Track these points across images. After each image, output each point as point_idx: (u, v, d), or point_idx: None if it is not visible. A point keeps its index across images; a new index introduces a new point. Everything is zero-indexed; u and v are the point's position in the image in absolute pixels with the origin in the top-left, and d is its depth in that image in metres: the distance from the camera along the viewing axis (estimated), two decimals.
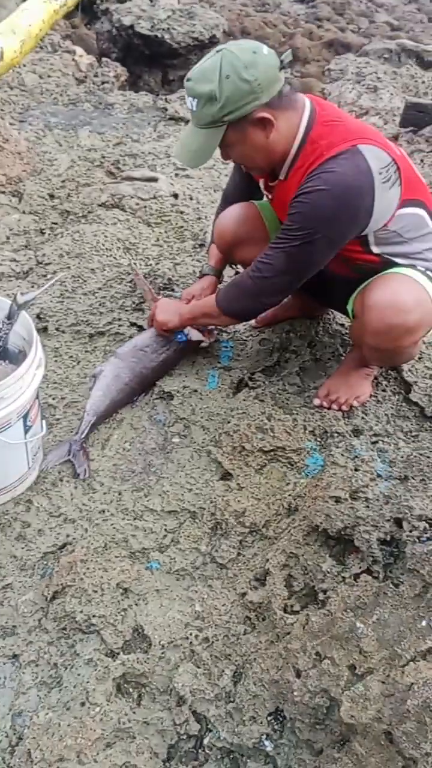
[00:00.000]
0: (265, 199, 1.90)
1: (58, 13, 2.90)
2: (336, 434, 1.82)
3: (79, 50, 4.50)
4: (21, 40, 2.60)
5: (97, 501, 1.68)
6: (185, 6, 5.13)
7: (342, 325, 2.20)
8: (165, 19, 4.77)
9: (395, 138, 3.40)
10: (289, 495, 1.63)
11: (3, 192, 2.81)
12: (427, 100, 3.63)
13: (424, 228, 1.64)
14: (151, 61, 4.99)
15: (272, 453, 1.77)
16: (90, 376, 1.99)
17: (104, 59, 4.64)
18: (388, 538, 1.39)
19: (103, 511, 1.65)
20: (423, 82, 4.21)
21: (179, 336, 2.00)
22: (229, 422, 1.84)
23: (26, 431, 1.53)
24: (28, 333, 1.52)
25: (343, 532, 1.41)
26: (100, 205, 2.74)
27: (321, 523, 1.43)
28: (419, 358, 2.05)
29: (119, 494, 1.70)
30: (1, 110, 3.33)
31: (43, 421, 1.67)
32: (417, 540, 1.36)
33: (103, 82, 4.17)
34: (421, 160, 3.18)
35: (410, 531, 1.37)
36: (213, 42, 4.81)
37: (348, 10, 7.70)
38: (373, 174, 1.46)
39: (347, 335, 2.15)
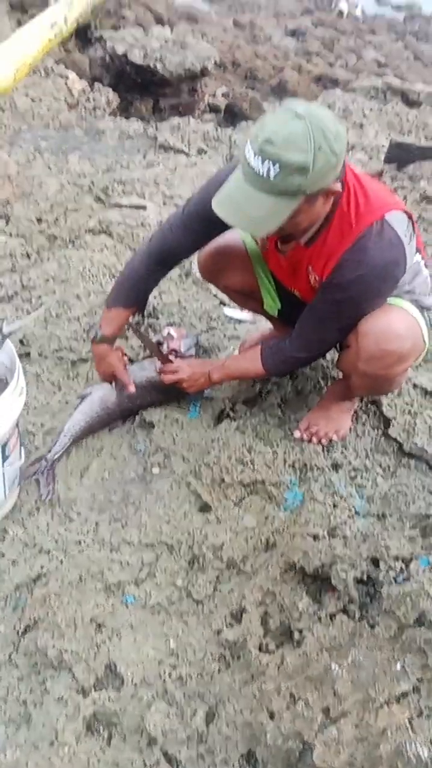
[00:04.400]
0: (252, 243, 1.87)
1: (53, 42, 2.94)
2: (315, 468, 1.83)
3: (71, 75, 4.55)
4: (15, 68, 2.63)
5: (73, 531, 1.66)
6: (178, 36, 5.23)
7: (323, 357, 2.22)
8: (158, 48, 4.85)
9: (380, 174, 3.47)
10: (268, 530, 1.63)
11: None
12: (411, 139, 3.72)
13: (414, 264, 1.67)
14: (143, 88, 5.05)
15: (252, 486, 1.77)
16: (78, 395, 1.98)
17: (96, 85, 4.70)
18: (365, 577, 1.40)
19: (80, 542, 1.63)
20: (407, 120, 4.32)
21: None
22: (209, 453, 1.84)
23: (4, 460, 1.52)
24: (11, 361, 1.51)
25: (320, 570, 1.41)
26: (87, 231, 2.75)
27: (298, 560, 1.44)
28: (398, 394, 2.07)
29: (96, 525, 1.68)
30: None
31: (22, 449, 1.66)
32: (393, 580, 1.37)
33: (94, 108, 4.22)
34: (404, 197, 3.25)
35: (387, 571, 1.38)
36: (204, 73, 4.90)
37: (337, 45, 7.91)
38: (403, 242, 1.50)
39: (329, 368, 2.17)
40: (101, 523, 1.68)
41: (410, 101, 4.66)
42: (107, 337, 1.83)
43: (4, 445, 1.49)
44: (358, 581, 1.39)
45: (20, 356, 2.09)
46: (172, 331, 2.26)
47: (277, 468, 1.82)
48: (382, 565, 1.42)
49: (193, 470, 1.82)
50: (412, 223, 1.58)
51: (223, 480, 1.76)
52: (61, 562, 1.58)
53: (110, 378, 1.92)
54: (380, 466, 1.89)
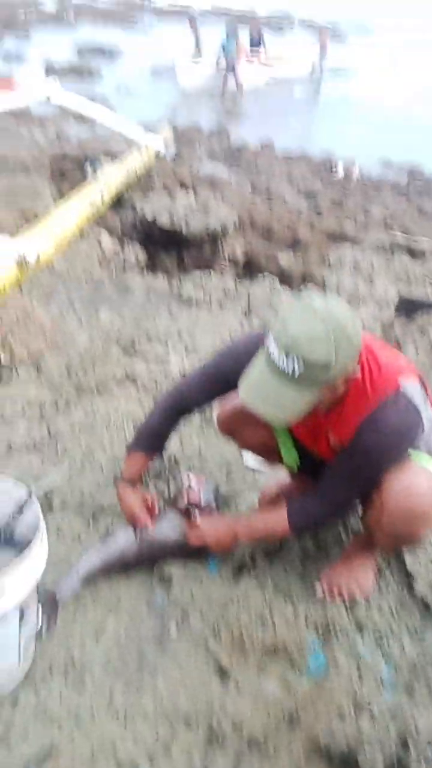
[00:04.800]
0: None
1: (90, 217, 3.30)
2: (339, 629, 1.78)
3: (105, 236, 5.00)
4: (55, 243, 2.94)
5: (86, 699, 1.60)
6: (201, 202, 5.80)
7: None
8: (183, 213, 5.36)
9: (390, 325, 3.66)
10: (290, 701, 1.55)
11: (24, 366, 2.99)
12: (418, 291, 3.97)
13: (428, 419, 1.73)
14: (169, 245, 5.52)
15: (273, 649, 1.71)
16: (101, 535, 2.00)
17: (127, 243, 5.16)
18: (395, 761, 1.31)
19: (92, 711, 1.56)
20: (414, 273, 4.62)
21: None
22: (229, 611, 1.80)
23: (21, 624, 1.50)
24: (36, 520, 1.55)
25: (346, 753, 1.33)
26: (114, 381, 2.90)
27: (323, 740, 1.35)
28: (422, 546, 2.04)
29: (110, 692, 1.61)
30: (30, 291, 3.66)
31: (39, 610, 1.64)
32: (424, 764, 1.28)
33: (124, 265, 4.60)
34: (416, 347, 3.40)
35: (417, 755, 1.29)
36: (225, 233, 5.36)
37: (346, 204, 8.64)
38: (418, 408, 1.59)
39: (349, 520, 2.17)
40: (115, 690, 1.62)
41: (415, 255, 5.01)
42: (127, 479, 1.96)
43: (23, 609, 1.49)
44: (387, 766, 1.30)
45: (42, 507, 2.13)
46: (192, 479, 2.30)
47: (299, 629, 1.76)
48: (411, 745, 1.33)
49: (212, 630, 1.77)
50: (425, 387, 1.66)
51: (243, 642, 1.71)
52: (73, 733, 1.50)
53: (132, 519, 1.96)
54: (407, 627, 1.82)
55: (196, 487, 2.25)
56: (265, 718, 1.51)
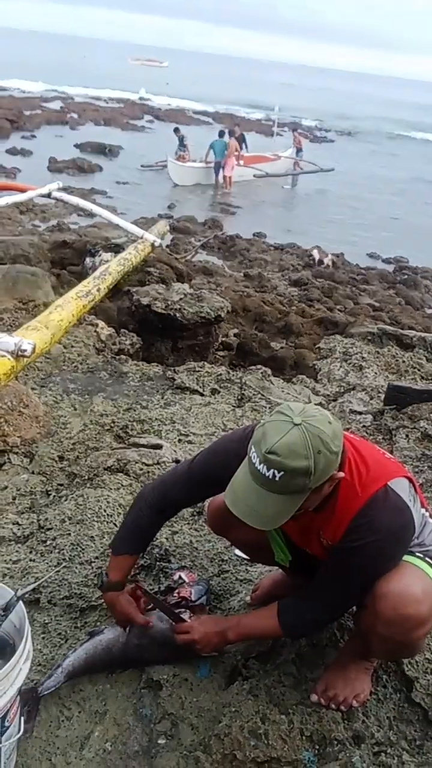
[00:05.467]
0: None
1: (86, 307, 3.41)
2: (335, 742, 1.70)
3: (101, 323, 5.12)
4: (52, 333, 3.02)
5: None
6: (195, 290, 6.00)
7: None
8: (177, 300, 5.52)
9: (381, 413, 3.71)
10: None
11: (16, 453, 2.99)
12: (407, 382, 4.05)
13: (421, 518, 1.73)
14: (164, 331, 5.65)
15: (266, 765, 1.63)
16: (88, 632, 1.94)
17: (122, 330, 5.28)
18: None
19: None
20: (403, 362, 4.73)
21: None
22: (220, 722, 1.72)
23: (2, 733, 1.43)
24: (20, 623, 1.51)
25: None
26: (105, 469, 2.89)
27: None
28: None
29: None
30: (26, 376, 3.70)
31: (22, 718, 1.56)
32: None
33: (119, 351, 4.69)
34: (406, 435, 3.44)
35: None
36: (218, 320, 5.51)
37: (335, 293, 8.96)
38: (408, 505, 1.60)
39: (343, 619, 2.11)
40: None
41: (404, 344, 5.15)
42: (115, 584, 1.89)
43: (4, 717, 1.42)
44: None
45: (29, 603, 2.08)
46: (184, 575, 2.25)
47: (294, 742, 1.68)
48: None
49: (202, 742, 1.69)
50: (414, 486, 1.67)
51: (234, 757, 1.63)
52: None
53: (126, 623, 1.91)
54: (405, 739, 1.75)
55: (188, 582, 2.20)
56: None
